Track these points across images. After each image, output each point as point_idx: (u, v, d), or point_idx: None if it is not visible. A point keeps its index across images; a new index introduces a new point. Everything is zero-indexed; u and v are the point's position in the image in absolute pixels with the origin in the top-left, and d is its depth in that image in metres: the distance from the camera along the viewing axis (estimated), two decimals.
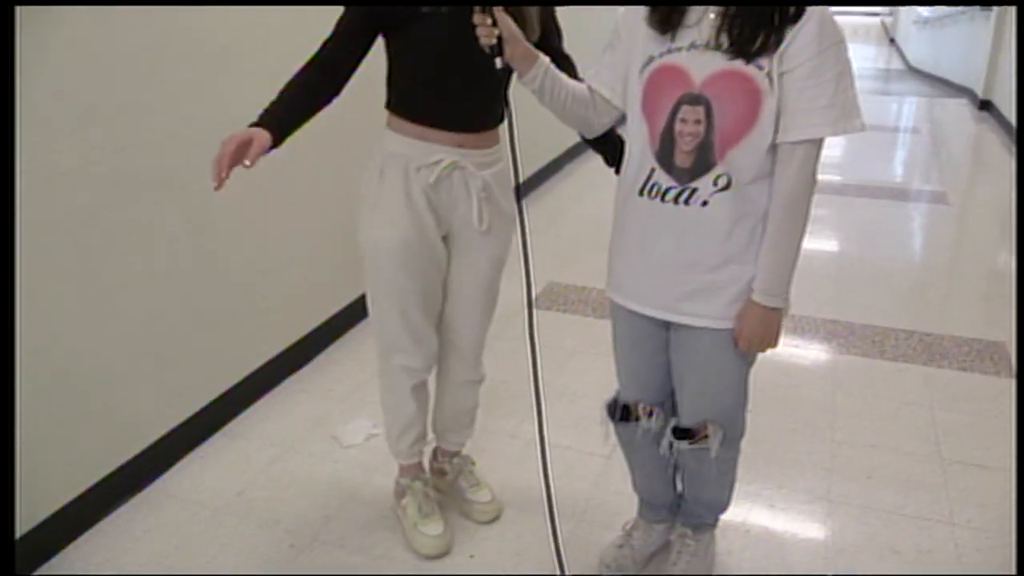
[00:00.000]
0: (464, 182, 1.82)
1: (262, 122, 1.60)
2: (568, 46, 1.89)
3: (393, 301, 1.90)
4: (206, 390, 2.57)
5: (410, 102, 1.80)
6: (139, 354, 2.28)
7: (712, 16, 1.42)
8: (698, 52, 1.43)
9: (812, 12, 1.37)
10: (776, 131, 1.43)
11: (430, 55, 1.72)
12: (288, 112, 1.66)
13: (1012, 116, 6.65)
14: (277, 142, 1.60)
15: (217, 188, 1.48)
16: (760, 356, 1.66)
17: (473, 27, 1.48)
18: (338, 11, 1.74)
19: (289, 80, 1.71)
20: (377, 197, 1.83)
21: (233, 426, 2.65)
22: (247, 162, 1.52)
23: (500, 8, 1.47)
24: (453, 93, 1.76)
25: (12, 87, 1.70)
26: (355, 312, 3.18)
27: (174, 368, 2.41)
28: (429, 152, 1.78)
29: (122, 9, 2.07)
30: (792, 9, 1.37)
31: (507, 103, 1.73)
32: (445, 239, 1.90)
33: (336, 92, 1.74)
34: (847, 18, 25.59)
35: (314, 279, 3.03)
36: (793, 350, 3.18)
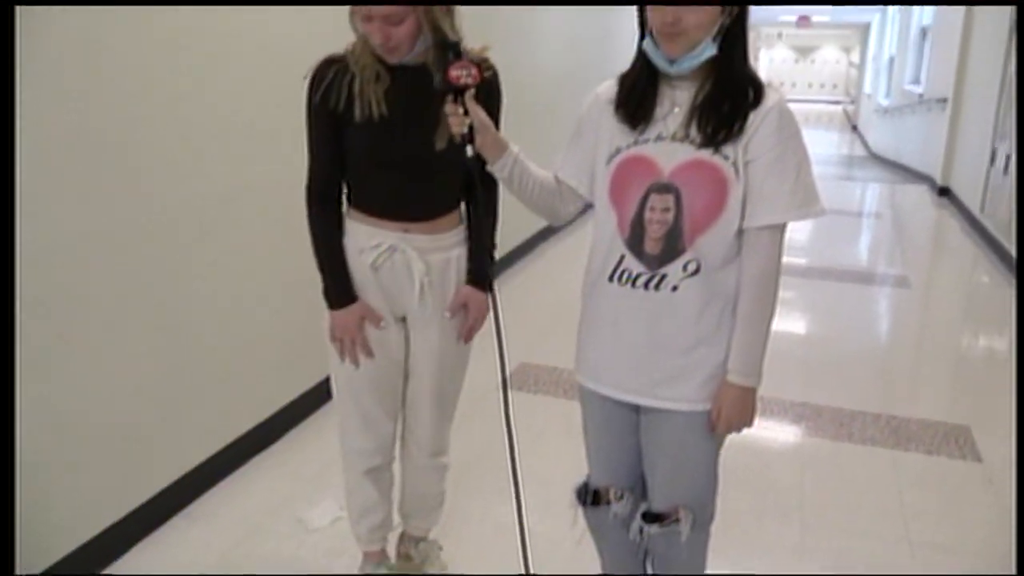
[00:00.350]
0: (407, 266, 1.83)
1: (340, 300, 1.84)
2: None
3: (344, 383, 1.92)
4: (168, 471, 2.52)
5: (355, 193, 1.84)
6: (95, 435, 2.23)
7: (678, 111, 1.49)
8: (665, 143, 1.49)
9: (772, 105, 1.45)
10: (742, 217, 1.49)
11: (369, 152, 1.76)
12: (341, 269, 1.84)
13: (970, 203, 6.87)
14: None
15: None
16: (729, 439, 1.67)
17: (442, 117, 1.54)
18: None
19: (313, 236, 1.84)
20: None
21: (195, 507, 2.59)
22: (381, 324, 1.86)
23: (471, 98, 1.52)
24: (392, 187, 1.80)
25: (12, 87, 1.71)
26: (324, 391, 3.15)
27: (134, 448, 2.37)
28: (372, 236, 1.82)
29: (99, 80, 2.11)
30: (751, 95, 1.45)
31: (475, 190, 1.75)
32: (404, 320, 1.92)
33: (342, 203, 1.85)
34: (812, 106, 26.50)
35: (283, 357, 3.01)
36: (763, 433, 3.19)
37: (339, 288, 1.84)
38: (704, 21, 1.42)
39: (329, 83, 1.72)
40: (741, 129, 1.45)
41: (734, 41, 1.45)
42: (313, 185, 1.82)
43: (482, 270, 1.92)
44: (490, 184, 1.76)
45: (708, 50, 1.43)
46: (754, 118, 1.45)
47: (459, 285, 1.91)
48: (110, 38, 2.12)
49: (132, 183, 2.25)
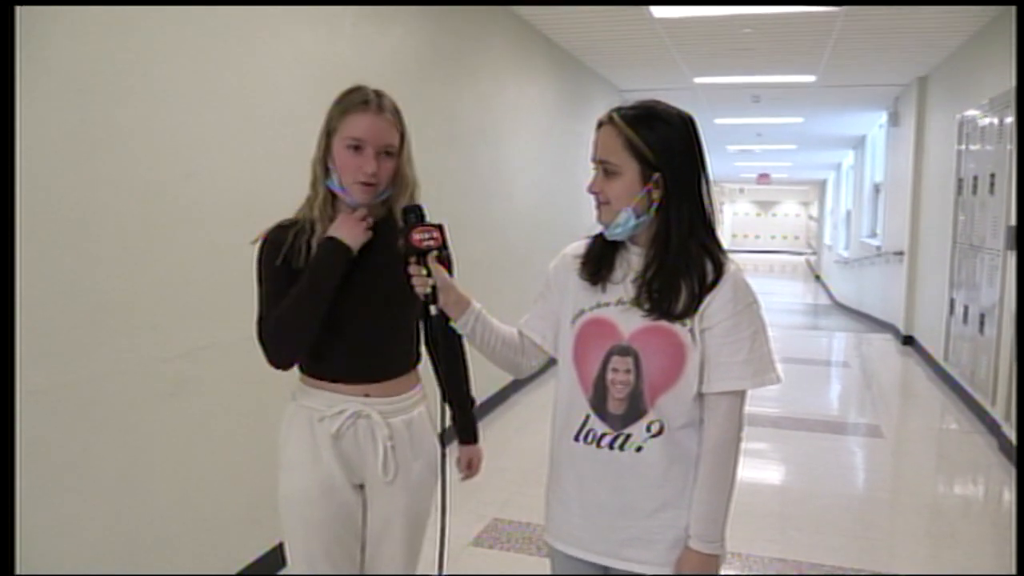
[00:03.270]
0: (370, 431, 1.78)
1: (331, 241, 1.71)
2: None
3: (300, 558, 1.82)
4: None
5: (310, 358, 1.80)
6: None
7: (634, 276, 1.54)
8: (625, 308, 1.53)
9: (727, 277, 1.50)
10: (701, 381, 1.51)
11: (326, 317, 1.73)
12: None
13: (933, 351, 7.00)
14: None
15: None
16: None
17: (409, 277, 1.58)
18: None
19: (277, 320, 1.71)
20: (284, 450, 1.81)
21: None
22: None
23: (433, 259, 1.57)
24: (350, 348, 1.78)
25: (12, 87, 1.72)
26: (277, 558, 3.02)
27: None
28: (333, 402, 1.77)
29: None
30: (710, 278, 1.50)
31: (439, 347, 1.77)
32: (362, 487, 1.84)
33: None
34: (776, 256, 27.33)
35: (231, 523, 2.90)
36: None
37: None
38: (621, 192, 1.49)
39: (290, 245, 1.72)
40: (694, 306, 1.49)
41: (669, 214, 1.49)
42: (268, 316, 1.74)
43: (470, 427, 2.02)
44: (456, 339, 1.78)
45: (630, 220, 1.50)
46: (709, 293, 1.49)
47: (423, 446, 1.86)
48: (93, 50, 2.20)
49: (110, 331, 2.26)
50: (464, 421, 2.02)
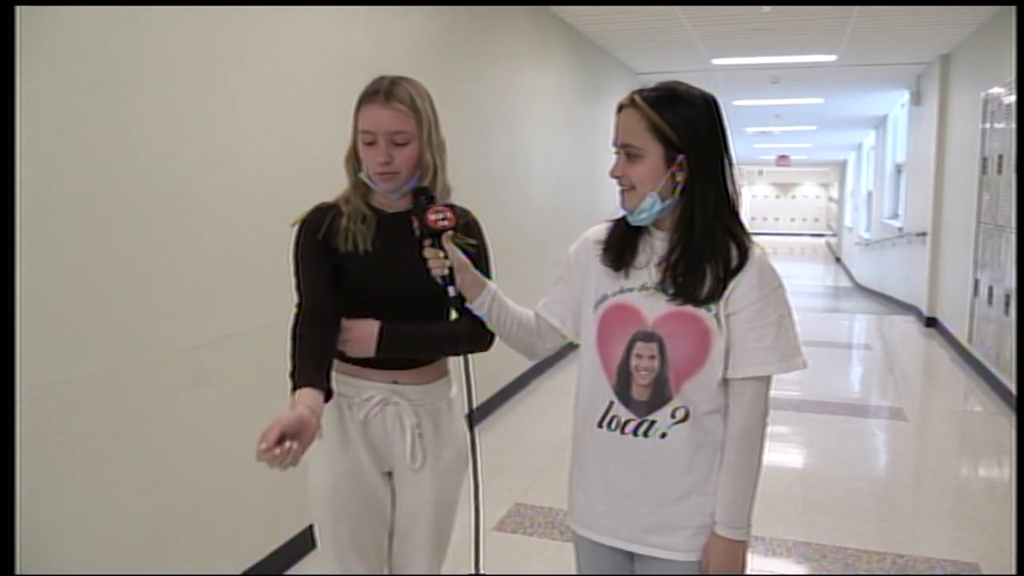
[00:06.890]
0: (398, 418, 1.79)
1: (303, 384, 1.60)
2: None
3: (328, 542, 1.84)
4: None
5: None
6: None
7: (658, 260, 1.53)
8: (648, 293, 1.52)
9: (752, 261, 1.49)
10: (726, 367, 1.50)
11: (355, 296, 1.75)
12: (320, 366, 1.67)
13: (957, 333, 6.93)
14: (328, 395, 1.64)
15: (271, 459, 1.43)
16: None
17: (424, 261, 1.59)
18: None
19: (295, 346, 1.70)
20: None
21: None
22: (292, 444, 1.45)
23: (449, 240, 1.57)
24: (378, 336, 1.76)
25: (12, 87, 1.73)
26: (302, 544, 3.05)
27: None
28: (361, 389, 1.79)
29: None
30: (735, 262, 1.48)
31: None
32: (390, 474, 1.86)
33: (339, 329, 1.75)
34: (796, 239, 27.12)
35: (270, 502, 2.93)
36: None
37: (311, 372, 1.65)
38: (646, 176, 1.47)
39: (329, 225, 1.74)
40: (719, 290, 1.47)
41: (694, 197, 1.48)
42: (307, 306, 1.74)
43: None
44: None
45: (656, 204, 1.48)
46: (735, 277, 1.48)
47: (452, 434, 1.86)
48: (110, 38, 2.20)
49: (133, 321, 2.27)
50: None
